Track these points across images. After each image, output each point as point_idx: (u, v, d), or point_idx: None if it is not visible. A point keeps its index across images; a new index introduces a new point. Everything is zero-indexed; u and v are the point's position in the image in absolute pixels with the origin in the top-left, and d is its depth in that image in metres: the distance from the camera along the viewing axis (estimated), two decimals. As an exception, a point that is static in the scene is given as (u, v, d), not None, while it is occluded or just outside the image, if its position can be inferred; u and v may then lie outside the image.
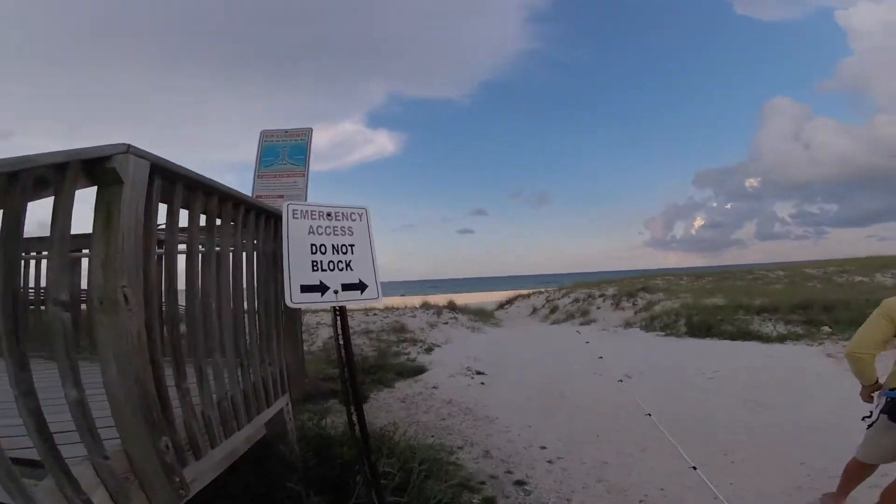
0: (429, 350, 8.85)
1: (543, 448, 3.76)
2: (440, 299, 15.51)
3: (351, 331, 8.43)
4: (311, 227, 2.17)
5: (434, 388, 5.78)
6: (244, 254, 2.21)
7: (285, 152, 3.27)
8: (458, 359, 7.83)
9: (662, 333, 10.25)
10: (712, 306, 11.07)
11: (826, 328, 8.45)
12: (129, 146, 1.44)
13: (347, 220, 2.29)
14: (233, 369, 2.00)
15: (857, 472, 2.56)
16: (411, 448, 3.22)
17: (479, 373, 6.72)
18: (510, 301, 20.20)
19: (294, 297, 1.99)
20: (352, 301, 2.14)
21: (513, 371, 7.02)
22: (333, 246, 2.18)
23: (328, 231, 2.21)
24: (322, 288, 2.08)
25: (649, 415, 4.56)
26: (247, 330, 2.22)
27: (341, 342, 2.09)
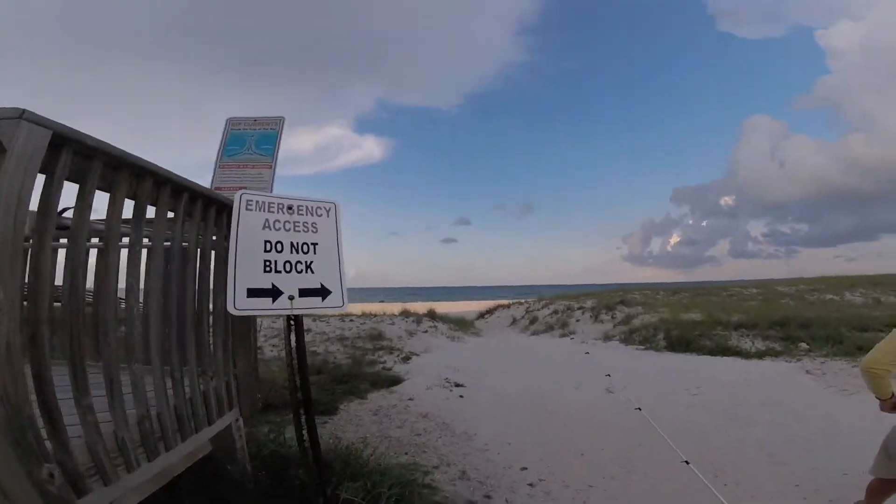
0: (406, 359, 8.52)
1: (524, 469, 3.49)
2: (420, 307, 15.20)
3: (324, 336, 8.01)
4: (266, 220, 1.88)
5: (410, 400, 5.47)
6: (185, 248, 1.89)
7: (252, 141, 2.96)
8: (436, 369, 7.53)
9: (642, 347, 10.18)
10: (690, 321, 11.08)
11: (803, 345, 8.47)
12: (23, 111, 1.15)
13: (312, 215, 2.00)
14: (160, 382, 1.69)
15: (882, 489, 2.51)
16: (381, 469, 2.93)
17: (457, 385, 6.43)
18: (490, 311, 20.00)
19: (238, 303, 1.69)
20: (310, 309, 1.85)
21: (493, 383, 6.75)
22: (293, 244, 1.89)
23: (287, 227, 1.92)
24: (274, 292, 1.78)
25: (639, 409, 4.69)
26: (184, 337, 1.90)
27: (295, 358, 1.78)
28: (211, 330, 2.14)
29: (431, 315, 13.59)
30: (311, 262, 1.89)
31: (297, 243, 1.89)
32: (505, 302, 21.14)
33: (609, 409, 5.15)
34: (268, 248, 1.82)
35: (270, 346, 9.28)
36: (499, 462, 3.59)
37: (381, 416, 4.80)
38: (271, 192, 2.91)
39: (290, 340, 1.81)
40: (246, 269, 1.74)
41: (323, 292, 1.88)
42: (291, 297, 1.79)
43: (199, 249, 1.96)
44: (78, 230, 1.36)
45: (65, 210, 1.39)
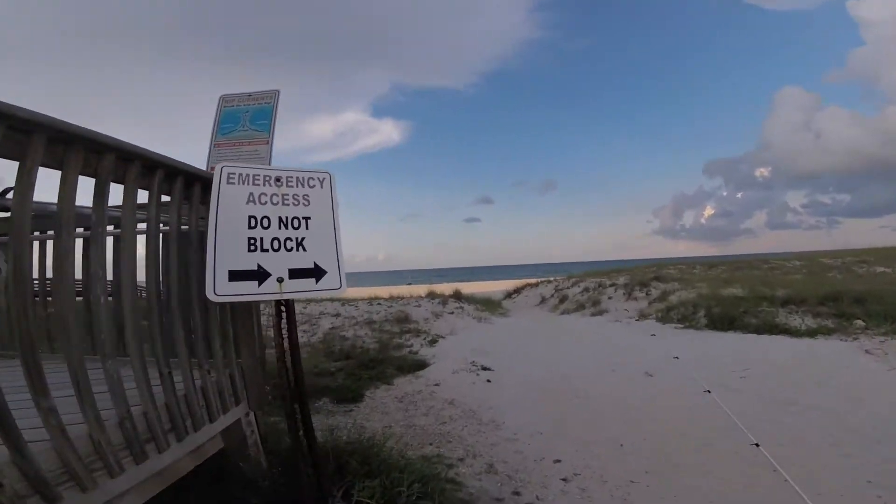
0: (432, 342, 8.37)
1: (557, 461, 3.23)
2: (446, 288, 15.05)
3: (353, 321, 7.92)
4: (251, 194, 1.65)
5: (436, 385, 5.29)
6: (166, 230, 1.69)
7: (247, 118, 2.75)
8: (462, 352, 7.34)
9: (680, 326, 9.66)
10: (732, 297, 10.45)
11: (859, 322, 7.80)
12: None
13: (303, 186, 1.75)
14: (141, 379, 1.51)
15: None
16: (402, 464, 2.74)
17: (484, 368, 6.21)
18: (518, 290, 19.66)
19: (219, 288, 1.47)
20: (304, 292, 1.61)
21: (521, 366, 6.50)
22: (281, 219, 1.65)
23: (275, 200, 1.68)
24: (260, 274, 1.55)
25: (708, 392, 4.40)
26: (170, 329, 1.72)
27: (286, 348, 1.56)
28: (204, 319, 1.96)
29: (457, 296, 13.41)
30: (303, 239, 1.65)
31: (287, 218, 1.66)
32: (533, 281, 20.75)
33: (649, 394, 4.81)
34: (252, 224, 1.59)
35: (301, 332, 9.35)
36: (529, 454, 3.34)
37: (406, 402, 4.64)
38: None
39: (280, 329, 1.59)
40: (227, 250, 1.52)
41: (317, 272, 1.64)
42: (280, 280, 1.56)
43: (181, 230, 1.77)
44: (20, 211, 1.16)
45: (7, 191, 1.20)
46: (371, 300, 12.76)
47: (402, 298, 13.04)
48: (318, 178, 1.79)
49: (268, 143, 2.67)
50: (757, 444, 3.23)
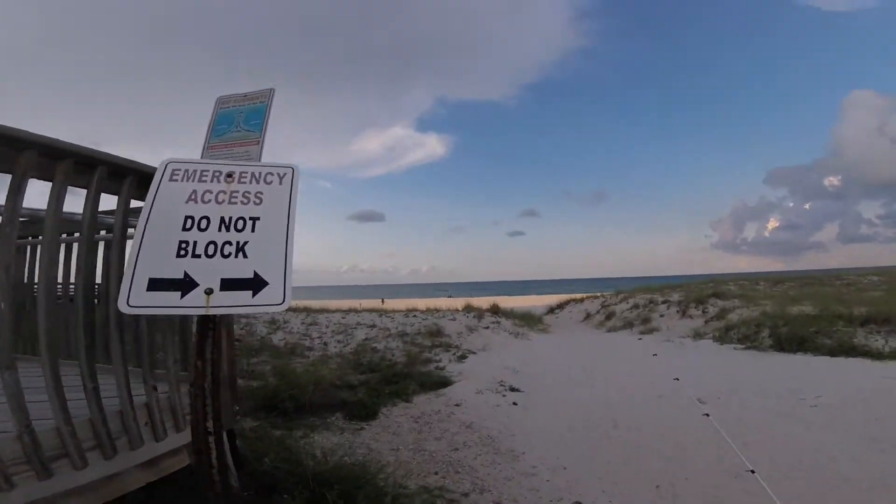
0: (462, 358, 8.02)
1: None
2: (486, 302, 14.66)
3: (387, 332, 7.73)
4: (193, 192, 1.45)
5: (456, 405, 4.95)
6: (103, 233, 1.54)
7: (241, 118, 2.63)
8: (492, 369, 6.94)
9: (741, 346, 8.71)
10: (802, 315, 9.34)
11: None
12: None
13: (258, 182, 1.54)
14: (53, 392, 1.34)
15: None
16: (391, 495, 2.45)
17: (513, 389, 5.78)
18: (561, 305, 18.87)
19: (133, 298, 1.26)
20: (236, 307, 1.36)
21: (555, 388, 6.01)
22: (223, 219, 1.43)
23: (221, 198, 1.47)
24: (186, 284, 1.33)
25: (707, 415, 3.53)
26: (104, 340, 1.55)
27: (207, 381, 1.31)
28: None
29: (494, 310, 12.96)
30: (245, 243, 1.41)
31: (230, 219, 1.43)
32: (578, 296, 19.86)
33: (699, 424, 4.21)
34: (188, 225, 1.38)
35: (336, 342, 9.33)
36: (546, 492, 2.93)
37: (421, 423, 4.34)
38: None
39: (204, 351, 1.34)
40: (153, 255, 1.32)
41: (256, 284, 1.37)
42: (209, 291, 1.33)
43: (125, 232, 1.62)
44: None
45: None
46: (408, 312, 12.63)
47: (439, 311, 12.80)
48: (278, 174, 1.57)
49: (258, 143, 2.53)
50: (752, 471, 2.89)
